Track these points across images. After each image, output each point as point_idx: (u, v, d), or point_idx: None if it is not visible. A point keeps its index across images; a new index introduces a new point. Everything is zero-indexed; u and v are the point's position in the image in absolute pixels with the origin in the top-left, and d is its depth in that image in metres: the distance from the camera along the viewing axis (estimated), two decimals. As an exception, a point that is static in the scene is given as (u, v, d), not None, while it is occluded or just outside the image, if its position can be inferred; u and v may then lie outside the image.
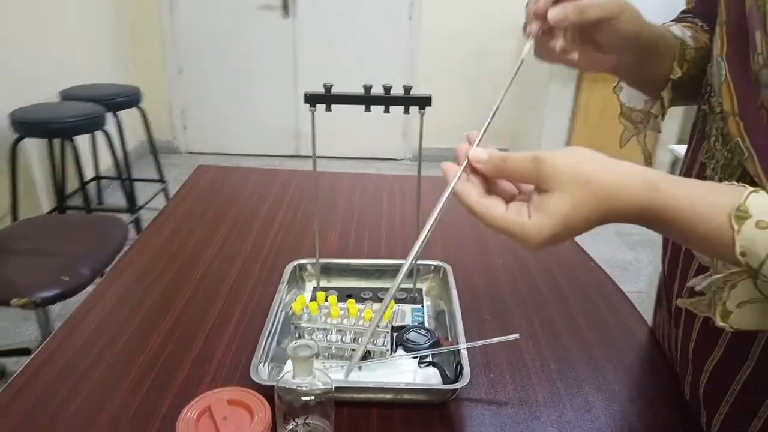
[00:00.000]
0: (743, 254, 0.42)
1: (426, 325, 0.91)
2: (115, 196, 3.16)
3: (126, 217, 2.84)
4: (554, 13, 0.58)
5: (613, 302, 0.99)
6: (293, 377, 0.65)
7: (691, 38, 0.70)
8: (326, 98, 0.82)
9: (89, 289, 1.49)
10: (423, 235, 0.56)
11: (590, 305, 0.97)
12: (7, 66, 2.51)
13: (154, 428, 0.70)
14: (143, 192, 3.30)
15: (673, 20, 0.77)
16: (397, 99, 0.82)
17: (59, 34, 2.95)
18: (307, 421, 0.67)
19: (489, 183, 0.53)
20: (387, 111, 0.83)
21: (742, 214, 0.42)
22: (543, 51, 0.64)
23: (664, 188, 0.45)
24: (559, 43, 0.61)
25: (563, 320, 0.93)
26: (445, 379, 0.77)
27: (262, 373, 0.76)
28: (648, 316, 0.94)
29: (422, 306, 0.95)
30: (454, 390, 0.75)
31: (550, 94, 3.42)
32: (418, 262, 0.98)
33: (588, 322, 0.92)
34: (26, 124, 2.29)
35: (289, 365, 0.75)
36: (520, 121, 4.01)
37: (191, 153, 4.21)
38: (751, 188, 0.44)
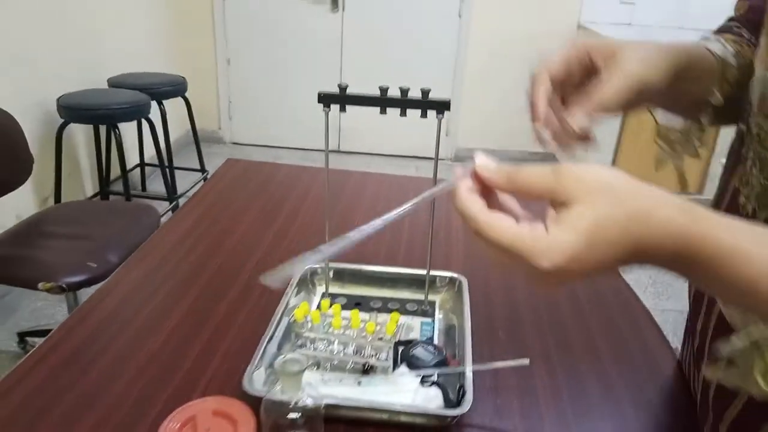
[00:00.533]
0: None
1: (435, 340, 0.87)
2: (157, 184, 3.21)
3: (165, 205, 2.89)
4: (581, 123, 0.53)
5: (639, 327, 0.92)
6: (281, 392, 0.62)
7: (733, 56, 0.61)
8: (340, 98, 0.79)
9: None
10: (390, 216, 0.50)
11: (614, 329, 0.91)
12: (58, 52, 2.58)
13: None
14: (185, 180, 3.35)
15: (716, 30, 0.70)
16: (414, 102, 0.77)
17: (111, 23, 3.01)
18: (294, 438, 0.64)
19: (491, 201, 0.44)
20: (403, 114, 0.79)
21: None
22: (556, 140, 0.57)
23: (704, 216, 0.39)
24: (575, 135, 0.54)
25: (582, 344, 0.87)
26: (448, 401, 0.73)
27: (256, 382, 0.73)
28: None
29: (433, 320, 0.90)
30: (455, 415, 0.70)
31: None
32: (433, 273, 0.94)
33: (609, 348, 0.86)
34: (72, 110, 2.35)
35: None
36: (568, 125, 3.88)
37: (235, 144, 4.26)
38: None
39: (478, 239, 0.42)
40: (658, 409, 0.77)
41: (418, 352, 0.80)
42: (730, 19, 0.70)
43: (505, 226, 0.40)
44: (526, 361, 0.74)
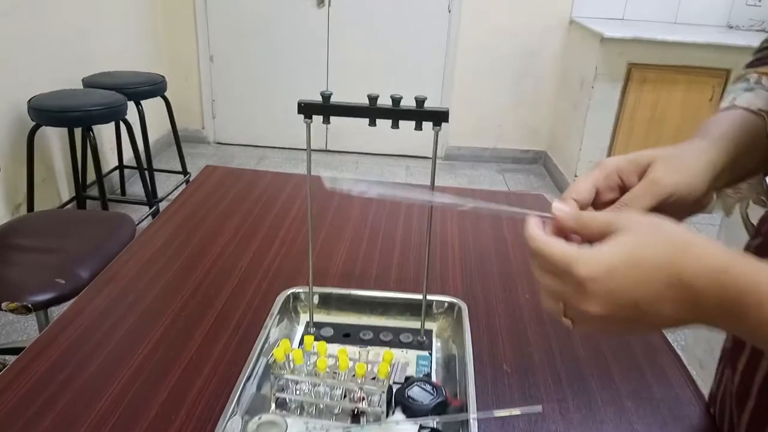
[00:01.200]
0: None
1: (434, 376, 0.78)
2: (138, 186, 3.10)
3: (145, 209, 2.78)
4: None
5: (660, 365, 0.83)
6: (256, 459, 0.53)
7: None
8: (323, 109, 0.69)
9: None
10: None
11: (632, 364, 0.82)
12: (30, 51, 2.45)
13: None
14: (167, 182, 3.25)
15: (752, 62, 0.62)
16: (408, 113, 0.68)
17: (86, 19, 2.88)
18: None
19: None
20: (396, 126, 0.69)
21: None
22: None
23: (746, 259, 0.38)
24: None
25: (599, 381, 0.78)
26: (450, 454, 0.64)
27: (229, 436, 0.64)
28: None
29: (430, 353, 0.81)
30: (459, 472, 0.61)
31: (595, 92, 3.22)
32: (429, 297, 0.85)
33: (629, 390, 0.77)
34: (43, 112, 2.23)
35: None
36: (560, 120, 3.81)
37: (219, 143, 4.14)
38: None
39: (533, 261, 0.45)
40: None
41: (415, 392, 0.71)
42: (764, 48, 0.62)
43: (558, 243, 0.44)
44: (538, 408, 0.65)
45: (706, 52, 3.06)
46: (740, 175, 0.56)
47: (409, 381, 0.73)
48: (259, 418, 0.53)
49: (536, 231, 0.45)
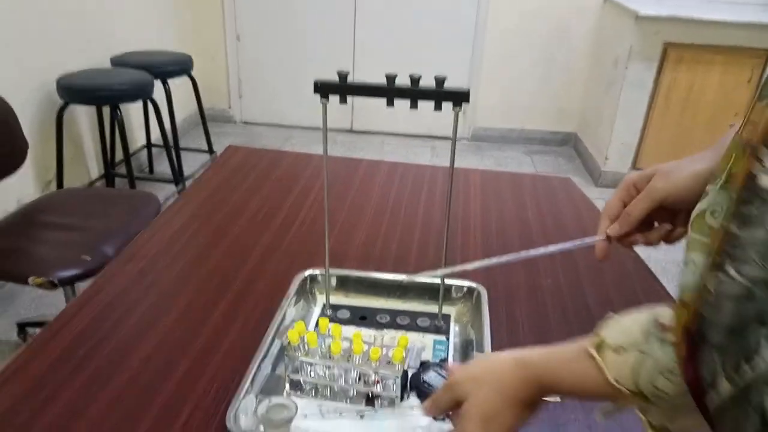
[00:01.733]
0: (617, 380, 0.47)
1: (451, 359, 0.77)
2: (165, 165, 3.13)
3: (171, 187, 2.80)
4: (612, 231, 0.63)
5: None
6: (265, 442, 0.52)
7: None
8: (340, 88, 0.67)
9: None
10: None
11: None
12: (59, 31, 2.47)
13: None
14: (194, 161, 3.27)
15: None
16: (427, 93, 0.66)
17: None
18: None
19: None
20: (414, 106, 0.67)
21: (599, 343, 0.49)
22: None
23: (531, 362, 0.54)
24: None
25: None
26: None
27: (241, 419, 0.63)
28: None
29: (447, 338, 0.80)
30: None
31: (629, 72, 3.12)
32: (448, 282, 0.83)
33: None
34: (72, 91, 2.25)
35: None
36: (591, 101, 3.72)
37: (246, 123, 4.15)
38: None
39: None
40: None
41: (431, 377, 0.70)
42: None
43: None
44: (557, 399, 0.64)
45: (746, 31, 2.94)
46: None
47: (425, 366, 0.72)
48: (269, 401, 0.52)
49: None
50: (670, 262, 2.58)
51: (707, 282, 0.34)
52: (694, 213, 0.38)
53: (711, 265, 0.34)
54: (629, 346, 0.47)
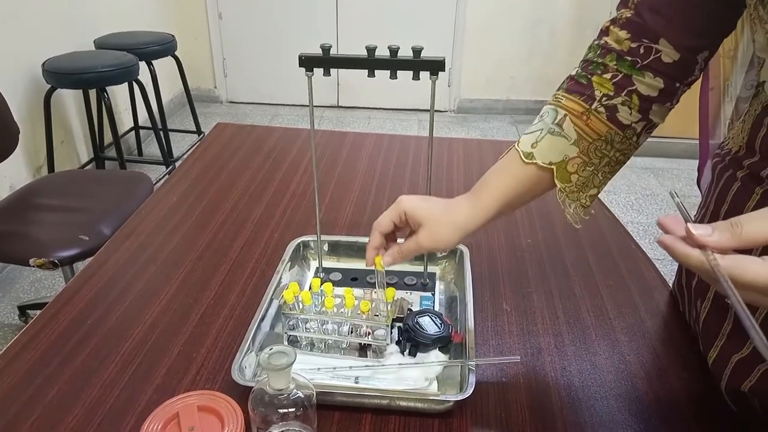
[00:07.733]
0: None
1: (436, 315, 0.82)
2: (154, 147, 3.15)
3: (162, 169, 2.83)
4: (385, 261, 0.72)
5: (656, 302, 0.87)
6: (268, 386, 0.58)
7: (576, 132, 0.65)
8: (324, 61, 0.72)
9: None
10: None
11: (630, 309, 0.85)
12: (40, 15, 2.47)
13: (128, 427, 0.65)
14: (182, 142, 3.29)
15: (563, 89, 0.69)
16: (404, 63, 0.70)
17: (95, -20, 2.88)
18: (285, 430, 0.60)
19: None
20: (393, 76, 0.72)
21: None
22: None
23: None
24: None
25: (594, 317, 0.83)
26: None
27: (247, 370, 0.69)
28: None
29: (433, 294, 0.86)
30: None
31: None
32: (433, 243, 0.88)
33: (623, 325, 0.81)
34: (58, 75, 2.27)
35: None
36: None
37: (232, 102, 4.16)
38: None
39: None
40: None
41: (425, 321, 0.75)
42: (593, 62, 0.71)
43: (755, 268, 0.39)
44: (516, 358, 0.72)
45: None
46: (515, 208, 0.71)
47: (422, 311, 0.76)
48: (270, 349, 0.57)
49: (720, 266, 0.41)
50: (651, 225, 2.66)
51: None
52: None
53: None
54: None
